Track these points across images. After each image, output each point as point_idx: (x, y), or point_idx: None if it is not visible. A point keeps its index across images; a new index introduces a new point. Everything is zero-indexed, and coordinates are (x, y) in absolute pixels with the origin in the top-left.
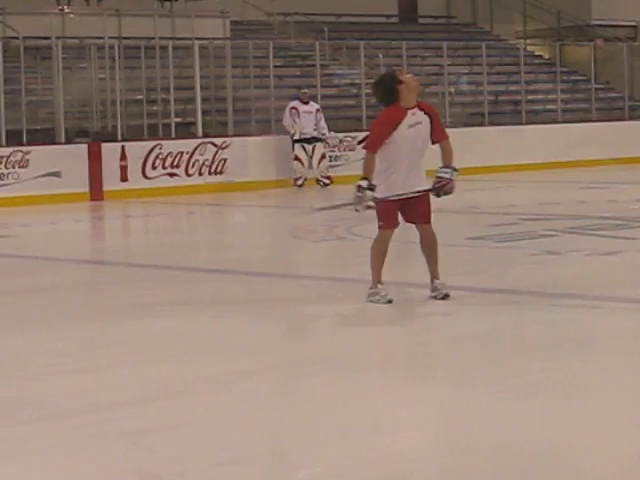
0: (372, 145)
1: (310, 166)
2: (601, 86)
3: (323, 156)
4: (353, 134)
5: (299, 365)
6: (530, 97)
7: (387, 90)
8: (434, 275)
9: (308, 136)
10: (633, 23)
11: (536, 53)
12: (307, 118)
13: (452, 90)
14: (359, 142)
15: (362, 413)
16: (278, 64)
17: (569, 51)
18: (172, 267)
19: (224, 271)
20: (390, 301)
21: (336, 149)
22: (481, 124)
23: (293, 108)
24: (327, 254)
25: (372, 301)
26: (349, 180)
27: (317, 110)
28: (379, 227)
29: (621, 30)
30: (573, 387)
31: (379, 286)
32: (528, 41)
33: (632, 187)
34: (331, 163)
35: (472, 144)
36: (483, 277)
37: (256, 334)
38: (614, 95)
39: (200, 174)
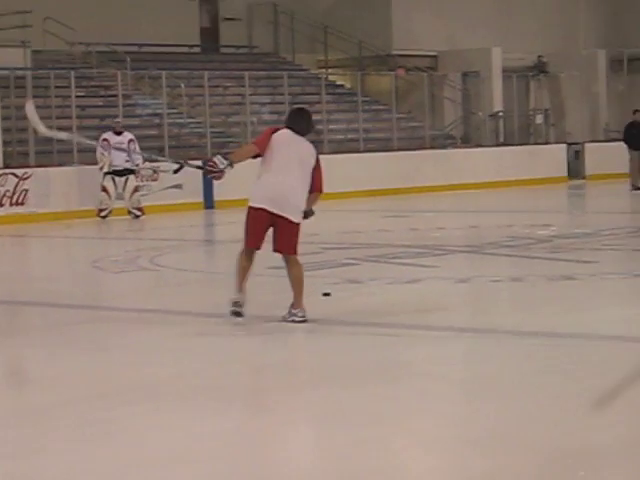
0: None
1: (121, 198)
2: (402, 115)
3: (135, 189)
4: (156, 165)
5: (105, 396)
6: (332, 127)
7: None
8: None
9: (119, 168)
10: (434, 53)
11: (338, 83)
12: (118, 150)
13: (254, 120)
14: (175, 171)
15: (164, 444)
16: (80, 94)
17: (370, 81)
18: None
19: (25, 303)
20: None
21: (142, 179)
22: None
23: (105, 140)
24: (129, 285)
25: (294, 320)
26: (154, 210)
27: (130, 141)
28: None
29: (422, 60)
30: (371, 415)
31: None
32: (330, 71)
33: (433, 215)
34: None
35: None
36: (285, 307)
37: (60, 365)
38: (415, 124)
39: (1, 205)
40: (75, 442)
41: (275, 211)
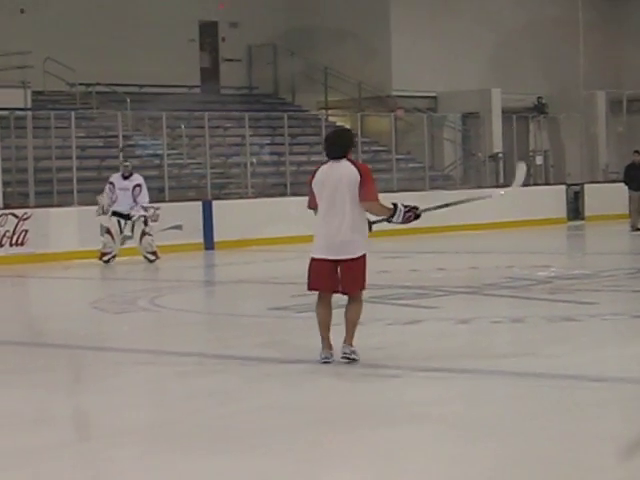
0: (377, 194)
1: (128, 238)
2: (402, 156)
3: (144, 233)
4: (156, 205)
5: (102, 438)
6: None
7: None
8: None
9: (123, 212)
10: (433, 94)
11: (337, 123)
12: (122, 195)
13: (254, 160)
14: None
15: None
16: (80, 135)
17: (370, 122)
18: None
19: (23, 343)
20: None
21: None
22: (283, 194)
23: (111, 183)
24: (128, 325)
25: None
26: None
27: (135, 186)
28: (362, 289)
29: (421, 101)
30: (369, 457)
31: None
32: (329, 112)
33: (433, 256)
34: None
35: (274, 214)
36: (285, 348)
37: (58, 407)
38: (415, 165)
39: (1, 245)
40: None
41: (336, 257)
